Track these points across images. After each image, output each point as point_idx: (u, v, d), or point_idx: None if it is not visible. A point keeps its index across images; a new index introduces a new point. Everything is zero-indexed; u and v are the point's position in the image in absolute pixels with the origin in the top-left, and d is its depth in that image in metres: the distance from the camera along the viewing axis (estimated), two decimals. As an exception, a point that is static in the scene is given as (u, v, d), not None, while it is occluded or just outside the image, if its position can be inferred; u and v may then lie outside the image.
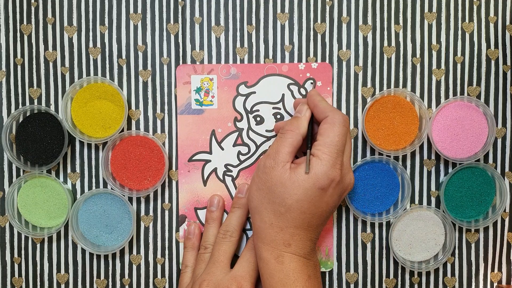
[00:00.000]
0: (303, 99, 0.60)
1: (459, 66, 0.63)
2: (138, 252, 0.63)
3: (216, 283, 0.55)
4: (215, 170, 0.63)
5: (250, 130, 0.63)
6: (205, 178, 0.63)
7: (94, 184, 0.63)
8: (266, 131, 0.63)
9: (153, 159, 0.61)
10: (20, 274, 0.64)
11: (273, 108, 0.63)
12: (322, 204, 0.54)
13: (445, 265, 0.64)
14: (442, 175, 0.63)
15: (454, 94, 0.63)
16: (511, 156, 0.63)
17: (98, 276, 0.64)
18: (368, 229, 0.63)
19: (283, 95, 0.63)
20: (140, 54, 0.63)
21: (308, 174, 0.53)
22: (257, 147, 0.63)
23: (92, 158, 0.63)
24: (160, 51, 0.63)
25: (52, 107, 0.63)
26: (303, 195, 0.52)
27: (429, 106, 0.63)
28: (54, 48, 0.63)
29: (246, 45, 0.63)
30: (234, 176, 0.63)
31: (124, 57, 0.63)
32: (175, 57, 0.63)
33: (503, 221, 0.63)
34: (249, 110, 0.63)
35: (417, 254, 0.62)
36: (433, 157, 0.63)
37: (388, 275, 0.63)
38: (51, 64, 0.63)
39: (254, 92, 0.63)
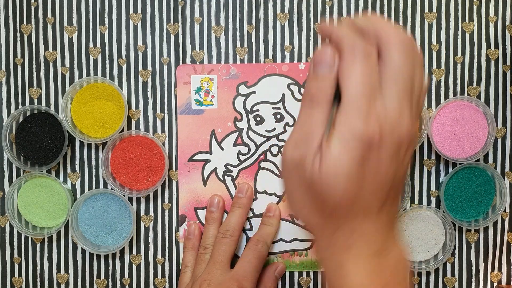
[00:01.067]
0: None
1: (459, 66, 0.63)
2: (138, 252, 0.63)
3: (216, 283, 0.55)
4: (215, 170, 0.63)
5: (250, 130, 0.63)
6: (205, 178, 0.63)
7: (94, 184, 0.63)
8: (266, 131, 0.63)
9: (153, 159, 0.61)
10: (20, 274, 0.64)
11: (273, 108, 0.63)
12: (371, 176, 0.37)
13: (445, 265, 0.64)
14: (442, 175, 0.63)
15: (454, 94, 0.63)
16: (511, 156, 0.63)
17: (98, 276, 0.64)
18: (368, 229, 0.63)
19: (283, 95, 0.63)
20: (140, 54, 0.63)
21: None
22: (257, 147, 0.63)
23: (92, 158, 0.63)
24: (160, 51, 0.63)
25: (52, 107, 0.63)
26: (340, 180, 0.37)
27: (429, 106, 0.63)
28: (54, 48, 0.63)
29: (246, 45, 0.63)
30: (234, 176, 0.63)
31: (124, 57, 0.63)
32: (175, 57, 0.63)
33: (503, 221, 0.63)
34: (249, 110, 0.63)
35: (417, 254, 0.62)
36: (433, 157, 0.63)
37: (388, 275, 0.63)
38: (51, 64, 0.63)
39: (254, 92, 0.63)
